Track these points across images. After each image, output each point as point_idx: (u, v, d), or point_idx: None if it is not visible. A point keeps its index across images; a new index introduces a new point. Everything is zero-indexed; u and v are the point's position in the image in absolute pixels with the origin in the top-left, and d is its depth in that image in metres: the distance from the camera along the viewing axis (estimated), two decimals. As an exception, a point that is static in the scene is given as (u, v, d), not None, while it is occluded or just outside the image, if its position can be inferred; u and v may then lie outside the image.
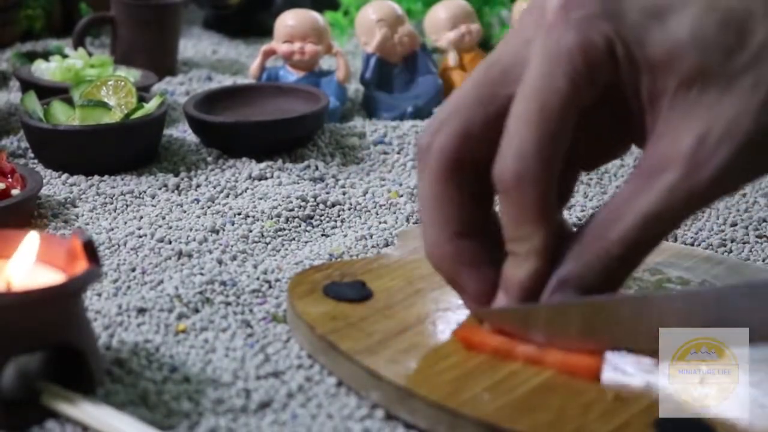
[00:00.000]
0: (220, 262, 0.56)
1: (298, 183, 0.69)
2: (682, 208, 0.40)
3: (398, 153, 0.77)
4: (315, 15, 0.88)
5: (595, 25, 0.40)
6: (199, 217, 0.63)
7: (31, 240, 0.44)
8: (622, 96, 0.42)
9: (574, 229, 0.45)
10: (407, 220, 0.63)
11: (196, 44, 1.14)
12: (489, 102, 0.43)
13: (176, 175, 0.70)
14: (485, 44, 1.03)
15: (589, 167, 0.48)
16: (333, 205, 0.65)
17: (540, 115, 0.40)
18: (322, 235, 0.62)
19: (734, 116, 0.39)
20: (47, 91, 0.77)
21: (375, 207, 0.66)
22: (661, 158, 0.40)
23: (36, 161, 0.72)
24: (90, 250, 0.42)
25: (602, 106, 0.42)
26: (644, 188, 0.40)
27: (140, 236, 0.59)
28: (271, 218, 0.63)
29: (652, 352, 0.41)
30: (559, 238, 0.43)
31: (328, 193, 0.67)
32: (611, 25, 0.40)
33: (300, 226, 0.63)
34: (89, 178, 0.69)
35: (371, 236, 0.60)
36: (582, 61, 0.40)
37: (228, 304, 0.51)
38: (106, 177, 0.69)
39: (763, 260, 0.59)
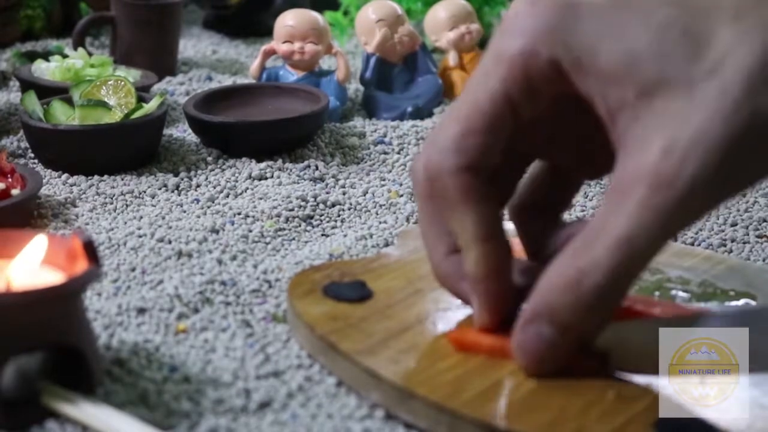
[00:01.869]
0: (220, 262, 0.56)
1: (298, 183, 0.69)
2: (656, 228, 0.37)
3: (398, 153, 0.77)
4: (315, 15, 0.88)
5: (545, 36, 0.39)
6: (199, 217, 0.63)
7: (37, 242, 0.44)
8: (588, 107, 0.41)
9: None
10: (407, 220, 0.63)
11: (196, 44, 1.14)
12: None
13: (176, 175, 0.70)
14: (485, 44, 1.03)
15: (593, 176, 0.48)
16: (333, 205, 0.65)
17: (466, 112, 0.41)
18: (322, 235, 0.62)
19: (701, 124, 0.36)
20: (47, 91, 0.77)
21: (375, 207, 0.66)
22: (629, 175, 0.38)
23: (36, 161, 0.72)
24: (90, 250, 0.42)
25: (579, 119, 0.42)
26: (615, 209, 0.38)
27: (140, 236, 0.59)
28: (271, 218, 0.63)
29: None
30: (543, 239, 0.43)
31: (328, 193, 0.67)
32: (561, 34, 0.39)
33: (300, 226, 0.63)
34: (89, 178, 0.69)
35: (371, 236, 0.60)
36: (521, 69, 0.40)
37: (228, 304, 0.51)
38: (106, 177, 0.69)
39: (764, 260, 0.59)
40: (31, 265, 0.43)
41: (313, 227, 0.63)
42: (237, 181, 0.69)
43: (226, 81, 0.95)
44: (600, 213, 0.39)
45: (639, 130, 0.38)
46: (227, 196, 0.67)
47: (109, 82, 0.74)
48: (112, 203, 0.65)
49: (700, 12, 0.38)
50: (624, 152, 0.38)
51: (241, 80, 0.95)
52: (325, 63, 0.90)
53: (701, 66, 0.37)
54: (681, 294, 0.49)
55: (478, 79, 0.41)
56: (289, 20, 0.86)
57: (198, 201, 0.66)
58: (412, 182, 0.45)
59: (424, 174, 0.43)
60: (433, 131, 0.43)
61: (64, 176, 0.69)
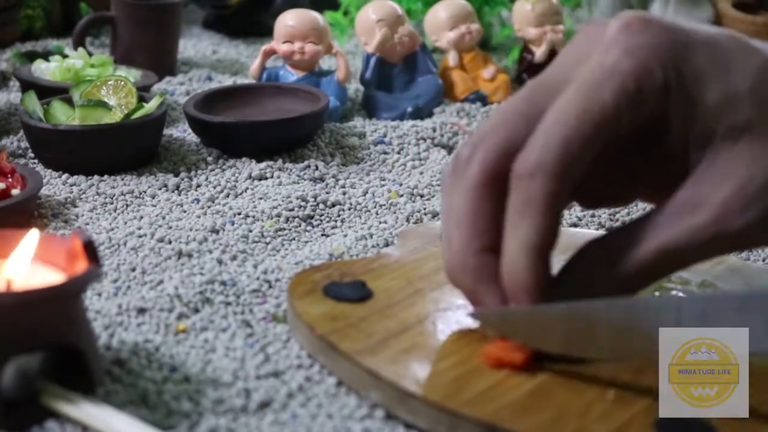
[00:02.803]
0: (220, 262, 0.56)
1: (298, 183, 0.69)
2: (703, 250, 0.40)
3: (398, 153, 0.77)
4: (315, 15, 0.88)
5: (658, 55, 0.40)
6: (199, 217, 0.63)
7: (31, 238, 0.44)
8: (660, 135, 0.42)
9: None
10: (407, 220, 0.63)
11: (196, 44, 1.14)
12: (533, 117, 0.42)
13: (176, 175, 0.70)
14: (485, 44, 1.03)
15: (587, 204, 0.48)
16: (333, 205, 0.65)
17: (576, 117, 0.40)
18: (322, 235, 0.62)
19: None
20: (47, 91, 0.77)
21: (375, 207, 0.66)
22: (695, 199, 0.40)
23: (36, 161, 0.72)
24: (90, 249, 0.42)
25: (630, 144, 0.42)
26: (671, 223, 0.40)
27: (140, 236, 0.60)
28: (271, 218, 0.63)
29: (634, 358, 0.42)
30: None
31: (328, 193, 0.67)
32: (675, 58, 0.40)
33: (300, 226, 0.63)
34: (89, 178, 0.69)
35: (371, 236, 0.60)
36: (634, 85, 0.40)
37: (228, 304, 0.51)
38: (106, 177, 0.69)
39: (764, 260, 0.59)
40: (24, 261, 0.43)
41: (313, 227, 0.63)
42: (237, 181, 0.69)
43: (226, 81, 0.95)
44: (650, 221, 0.41)
45: (717, 164, 0.40)
46: (227, 196, 0.67)
47: (110, 82, 0.74)
48: (112, 203, 0.65)
49: None
50: (697, 178, 0.41)
51: (241, 80, 0.95)
52: (325, 63, 0.90)
53: None
54: (681, 294, 0.49)
55: (587, 84, 0.40)
56: (289, 20, 0.87)
57: (198, 201, 0.66)
58: (464, 171, 0.43)
59: (491, 160, 0.42)
60: (509, 109, 0.43)
61: (65, 176, 0.69)
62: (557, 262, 0.43)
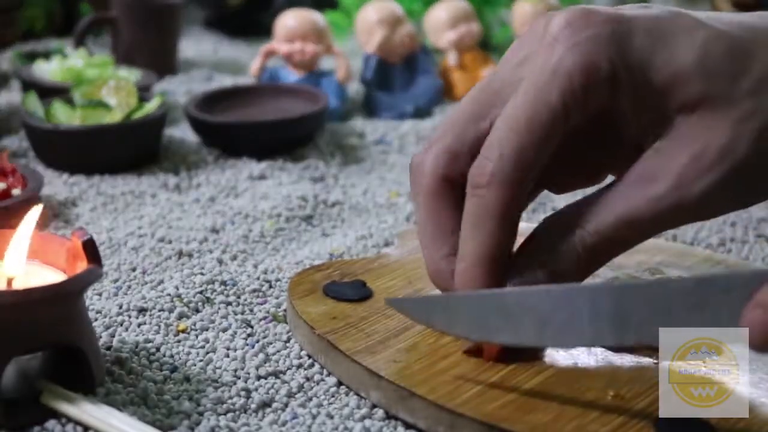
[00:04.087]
0: (220, 261, 0.56)
1: (299, 183, 0.69)
2: (662, 220, 0.40)
3: (398, 153, 0.77)
4: (315, 15, 0.88)
5: (601, 48, 0.40)
6: (199, 216, 0.63)
7: (33, 214, 0.44)
8: (614, 121, 0.42)
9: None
10: (407, 220, 0.63)
11: (197, 44, 1.14)
12: (480, 119, 0.43)
13: (177, 175, 0.70)
14: (485, 44, 1.03)
15: (557, 190, 0.48)
16: (333, 205, 0.66)
17: (526, 124, 0.40)
18: (322, 234, 0.62)
19: (730, 140, 0.39)
20: (48, 91, 0.77)
21: (375, 207, 0.66)
22: (653, 169, 0.40)
23: (37, 161, 0.72)
24: (91, 249, 0.42)
25: (587, 132, 0.42)
26: (630, 192, 0.40)
27: (141, 236, 0.60)
28: (272, 218, 0.63)
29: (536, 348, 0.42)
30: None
31: (328, 192, 0.67)
32: (617, 48, 0.40)
33: (300, 225, 0.63)
34: (90, 177, 0.69)
35: (371, 236, 0.60)
36: (580, 82, 0.40)
37: (228, 303, 0.51)
38: (106, 177, 0.69)
39: (763, 260, 0.59)
40: (25, 239, 0.43)
41: (313, 227, 0.63)
42: (237, 181, 0.69)
43: (227, 81, 0.95)
44: (610, 192, 0.41)
45: (672, 137, 0.40)
46: (227, 196, 0.67)
47: (110, 82, 0.74)
48: (112, 203, 0.65)
49: (745, 30, 0.40)
50: (654, 151, 0.41)
51: (241, 80, 0.95)
52: (325, 63, 0.90)
53: (741, 86, 0.39)
54: None
55: (535, 87, 0.41)
56: (289, 20, 0.87)
57: (198, 201, 0.66)
58: (418, 177, 0.44)
59: (441, 162, 0.43)
60: (459, 119, 0.43)
61: (65, 176, 0.69)
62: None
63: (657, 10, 0.42)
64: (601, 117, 0.42)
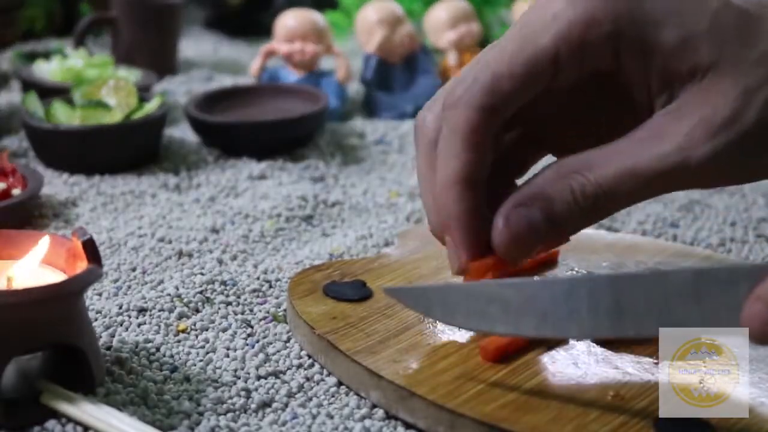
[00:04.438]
0: (220, 261, 0.56)
1: (299, 183, 0.69)
2: (665, 178, 0.40)
3: (398, 153, 0.77)
4: (315, 15, 0.88)
5: (608, 5, 0.40)
6: (199, 216, 0.63)
7: (42, 245, 0.44)
8: (621, 85, 0.42)
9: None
10: (407, 220, 0.63)
11: (197, 44, 1.14)
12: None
13: (177, 175, 0.70)
14: (485, 44, 1.03)
15: (559, 153, 0.47)
16: (333, 205, 0.66)
17: (509, 56, 0.40)
18: (322, 234, 0.62)
19: (738, 107, 0.39)
20: (48, 91, 0.77)
21: (375, 207, 0.66)
22: (661, 128, 0.40)
23: (37, 161, 0.72)
24: (91, 249, 0.42)
25: (592, 94, 0.42)
26: (636, 148, 0.40)
27: (141, 236, 0.60)
28: (272, 218, 0.63)
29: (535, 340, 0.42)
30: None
31: (328, 192, 0.67)
32: (626, 7, 0.40)
33: (300, 225, 0.63)
34: (90, 177, 0.69)
35: (371, 236, 0.60)
36: (578, 34, 0.40)
37: (228, 303, 0.51)
38: (106, 177, 0.69)
39: (763, 259, 0.59)
40: (32, 266, 0.44)
41: (313, 227, 0.63)
42: (237, 181, 0.69)
43: (227, 81, 0.95)
44: (616, 146, 0.41)
45: (684, 99, 0.40)
46: (227, 196, 0.67)
47: (110, 83, 0.74)
48: (112, 203, 0.65)
49: (754, 3, 0.40)
50: (659, 113, 0.41)
51: (241, 80, 0.95)
52: (325, 63, 0.90)
53: (751, 54, 0.40)
54: None
55: (528, 27, 0.41)
56: (289, 20, 0.87)
57: (198, 201, 0.66)
58: (417, 131, 0.44)
59: (438, 116, 0.43)
60: (464, 68, 0.43)
61: (65, 176, 0.69)
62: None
63: None
64: (606, 79, 0.41)
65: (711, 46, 0.40)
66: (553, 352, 0.43)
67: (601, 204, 0.41)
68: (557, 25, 0.40)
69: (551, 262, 0.52)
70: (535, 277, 0.45)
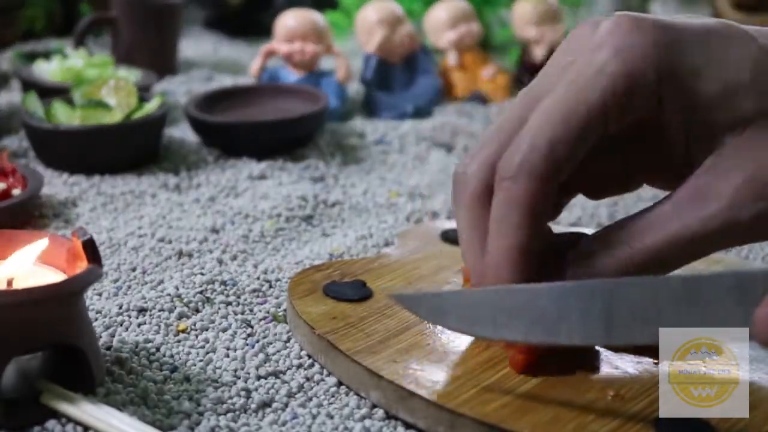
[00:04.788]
0: (220, 261, 0.56)
1: (299, 183, 0.69)
2: (714, 240, 0.40)
3: (398, 153, 0.77)
4: (315, 15, 0.88)
5: (649, 56, 0.39)
6: (199, 216, 0.63)
7: (38, 245, 0.44)
8: (659, 133, 0.41)
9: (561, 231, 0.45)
10: (407, 220, 0.63)
11: (197, 44, 1.14)
12: (522, 126, 0.41)
13: (177, 175, 0.70)
14: (485, 44, 1.03)
15: (592, 196, 0.48)
16: (333, 205, 0.66)
17: (562, 119, 0.40)
18: (323, 234, 0.62)
19: None
20: (48, 91, 0.77)
21: (375, 207, 0.66)
22: (706, 188, 0.40)
23: (37, 161, 0.72)
24: (91, 249, 0.42)
25: (629, 140, 0.42)
26: (682, 212, 0.40)
27: (141, 236, 0.60)
28: (272, 218, 0.63)
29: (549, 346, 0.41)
30: (543, 250, 0.42)
31: (328, 192, 0.67)
32: (667, 57, 0.39)
33: (300, 225, 0.63)
34: (90, 177, 0.69)
35: (371, 236, 0.60)
36: (624, 86, 0.39)
37: (228, 303, 0.51)
38: (106, 177, 0.69)
39: (763, 259, 0.59)
40: (27, 264, 0.43)
41: (313, 227, 0.63)
42: (237, 181, 0.69)
43: (227, 81, 0.95)
44: (662, 209, 0.40)
45: (727, 153, 0.40)
46: (227, 196, 0.67)
47: (110, 83, 0.74)
48: (112, 203, 0.65)
49: None
50: (706, 168, 0.40)
51: (241, 80, 0.95)
52: (325, 63, 0.90)
53: None
54: None
55: (575, 84, 0.40)
56: (289, 20, 0.87)
57: (198, 201, 0.66)
58: (460, 186, 0.43)
59: (485, 172, 0.42)
60: (504, 121, 0.42)
61: (65, 176, 0.69)
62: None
63: (707, 20, 0.41)
64: (645, 127, 0.41)
65: (752, 98, 0.39)
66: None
67: (650, 270, 0.41)
68: (603, 80, 0.39)
69: None
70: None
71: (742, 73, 0.39)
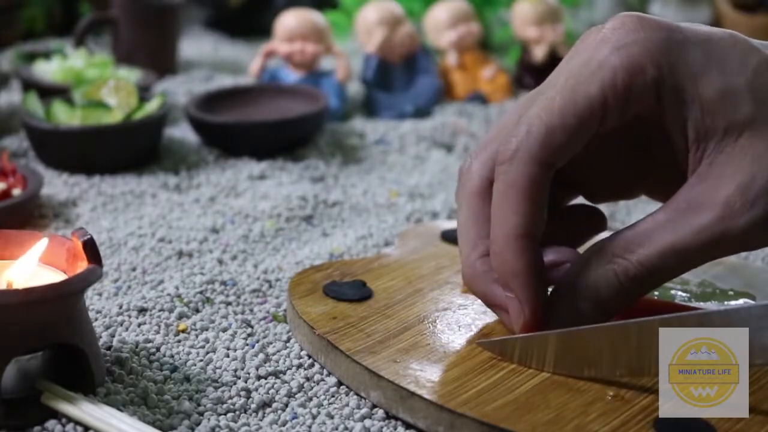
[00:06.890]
0: (220, 261, 0.56)
1: (299, 183, 0.69)
2: (707, 250, 0.40)
3: (398, 153, 0.77)
4: (315, 15, 0.88)
5: (651, 52, 0.40)
6: (199, 216, 0.63)
7: (39, 246, 0.44)
8: (657, 135, 0.42)
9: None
10: (407, 220, 0.63)
11: (197, 44, 1.14)
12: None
13: (177, 175, 0.70)
14: (485, 44, 1.03)
15: (594, 198, 0.48)
16: (333, 205, 0.66)
17: (560, 108, 0.40)
18: (322, 234, 0.62)
19: None
20: (48, 91, 0.77)
21: (375, 207, 0.66)
22: (699, 198, 0.40)
23: (37, 161, 0.72)
24: (91, 249, 0.42)
25: (629, 142, 0.42)
26: (675, 222, 0.40)
27: (141, 236, 0.60)
28: (272, 218, 0.63)
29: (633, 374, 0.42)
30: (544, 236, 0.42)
31: (328, 192, 0.67)
32: (668, 56, 0.40)
33: (300, 225, 0.63)
34: (90, 177, 0.69)
35: (371, 236, 0.60)
36: (623, 80, 0.40)
37: (228, 303, 0.51)
38: (106, 177, 0.69)
39: (762, 259, 0.59)
40: (30, 266, 0.44)
41: (313, 227, 0.63)
42: (237, 181, 0.69)
43: (227, 81, 0.95)
44: (656, 219, 0.41)
45: (719, 161, 0.40)
46: (227, 196, 0.67)
47: (110, 83, 0.74)
48: (112, 203, 0.65)
49: None
50: (699, 177, 0.40)
51: (241, 80, 0.95)
52: (325, 63, 0.90)
53: None
54: (680, 294, 0.49)
55: (574, 78, 0.41)
56: (289, 20, 0.87)
57: (198, 201, 0.66)
58: (464, 181, 0.44)
59: (485, 168, 0.43)
60: (507, 119, 0.43)
61: (65, 176, 0.69)
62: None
63: (712, 29, 0.42)
64: (645, 131, 0.41)
65: (749, 104, 0.39)
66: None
67: (646, 282, 0.41)
68: (603, 73, 0.40)
69: None
70: None
71: (741, 79, 0.40)
